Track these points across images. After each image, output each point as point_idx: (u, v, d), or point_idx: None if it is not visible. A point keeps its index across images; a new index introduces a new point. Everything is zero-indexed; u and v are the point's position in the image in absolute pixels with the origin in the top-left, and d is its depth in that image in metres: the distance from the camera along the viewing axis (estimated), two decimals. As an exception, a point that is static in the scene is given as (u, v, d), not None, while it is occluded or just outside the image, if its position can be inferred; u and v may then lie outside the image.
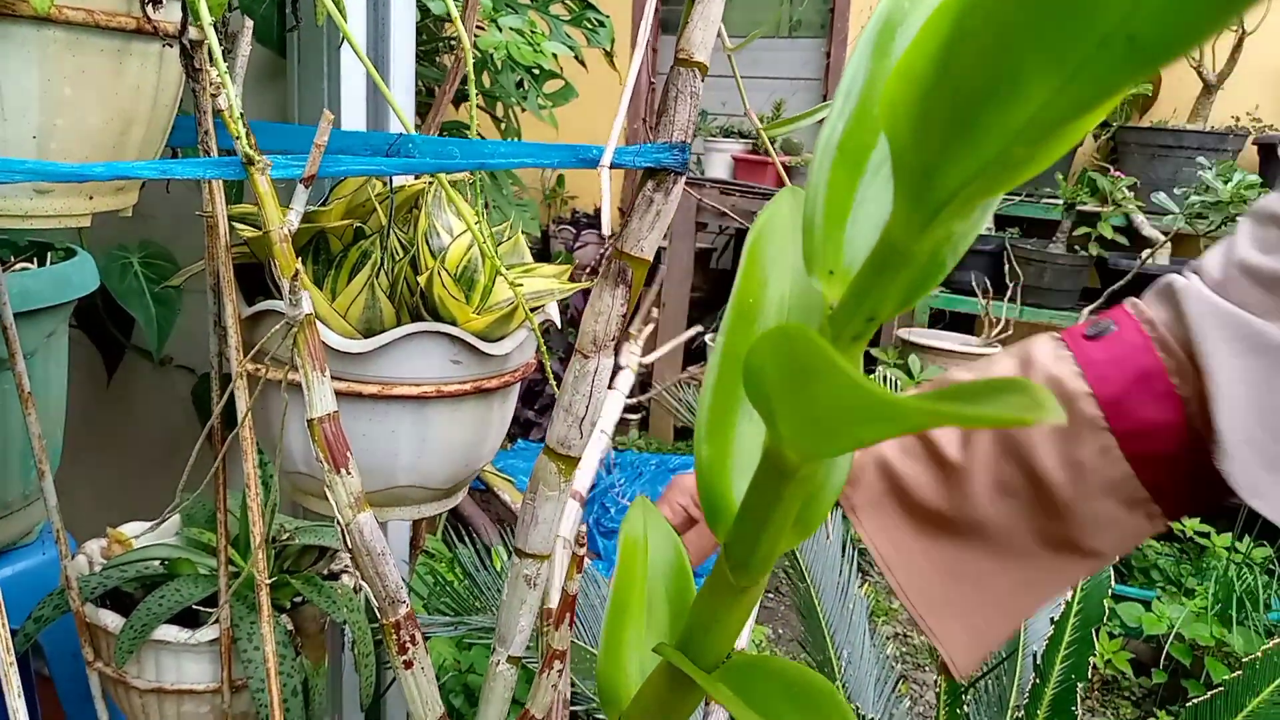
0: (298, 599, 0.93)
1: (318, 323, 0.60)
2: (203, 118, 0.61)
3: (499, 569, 1.73)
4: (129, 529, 1.01)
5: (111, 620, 0.86)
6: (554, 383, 0.74)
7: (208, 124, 0.61)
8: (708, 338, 3.46)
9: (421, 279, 0.66)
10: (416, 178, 0.79)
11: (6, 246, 1.12)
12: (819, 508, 0.37)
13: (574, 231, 3.65)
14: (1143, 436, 0.53)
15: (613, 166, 0.57)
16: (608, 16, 2.24)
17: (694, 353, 3.56)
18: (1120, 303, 0.58)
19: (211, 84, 0.54)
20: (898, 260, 0.29)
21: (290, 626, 0.89)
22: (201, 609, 0.89)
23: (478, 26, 1.91)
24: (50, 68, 0.55)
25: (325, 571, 0.97)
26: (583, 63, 2.22)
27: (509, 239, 0.77)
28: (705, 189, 3.27)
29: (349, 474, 0.56)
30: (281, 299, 0.68)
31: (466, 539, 1.75)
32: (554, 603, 0.77)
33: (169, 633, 0.85)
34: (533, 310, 0.74)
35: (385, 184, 0.68)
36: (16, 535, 1.03)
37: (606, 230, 0.58)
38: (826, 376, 0.23)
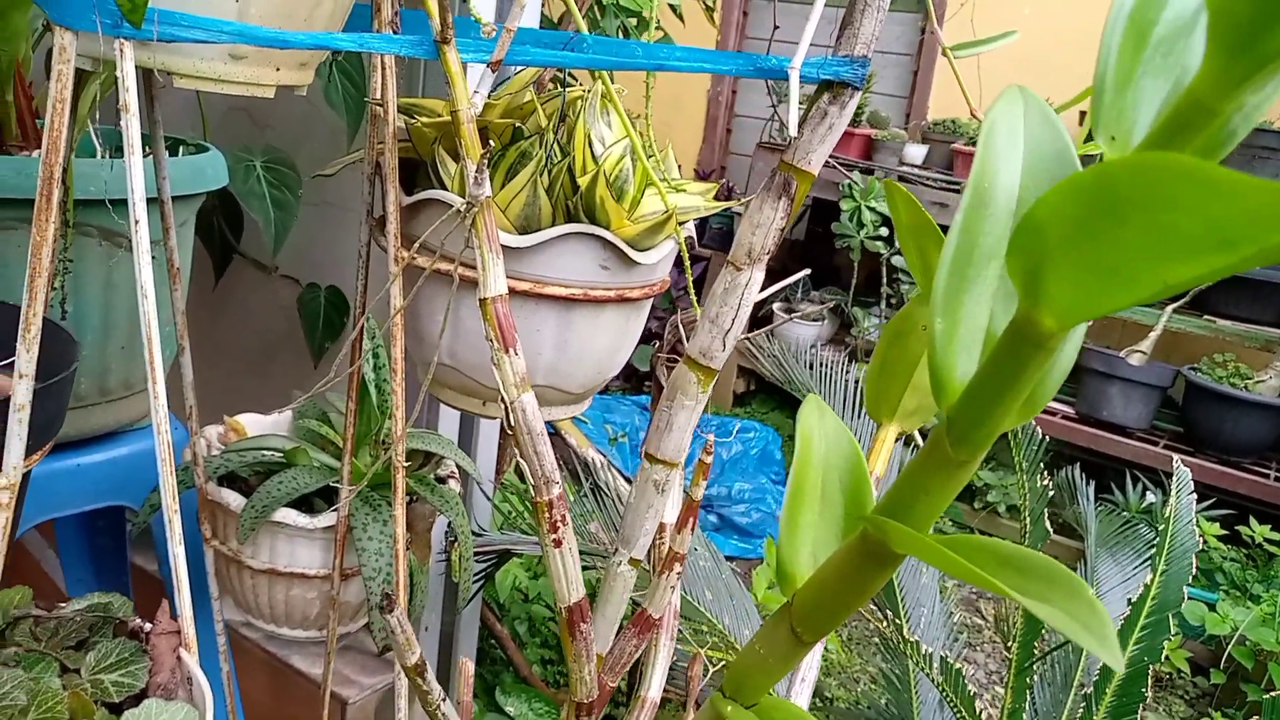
0: (408, 498, 0.95)
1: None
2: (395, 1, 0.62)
3: (571, 500, 1.75)
4: (244, 419, 1.05)
5: (233, 499, 0.89)
6: (694, 296, 0.75)
7: (396, 5, 0.63)
8: (776, 306, 3.45)
9: (583, 180, 0.67)
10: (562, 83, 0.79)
11: (144, 138, 1.15)
12: (1048, 388, 0.37)
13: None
14: None
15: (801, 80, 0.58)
16: (714, -30, 2.22)
17: (757, 322, 3.54)
18: None
19: (412, -39, 0.55)
20: (1200, 119, 0.29)
21: (400, 523, 0.92)
22: (316, 499, 0.92)
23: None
24: (258, -66, 0.57)
25: (433, 476, 0.99)
26: (681, 17, 2.22)
27: (659, 153, 0.77)
28: (787, 156, 3.24)
29: (516, 354, 0.57)
30: (441, 189, 0.69)
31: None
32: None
33: (288, 516, 0.87)
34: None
35: (556, 84, 0.69)
36: (137, 416, 1.06)
37: (793, 132, 0.58)
38: (1188, 188, 0.23)
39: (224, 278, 1.46)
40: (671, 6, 2.18)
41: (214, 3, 0.57)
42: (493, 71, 0.58)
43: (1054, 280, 0.30)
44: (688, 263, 0.73)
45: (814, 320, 3.35)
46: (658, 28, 2.13)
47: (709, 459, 0.72)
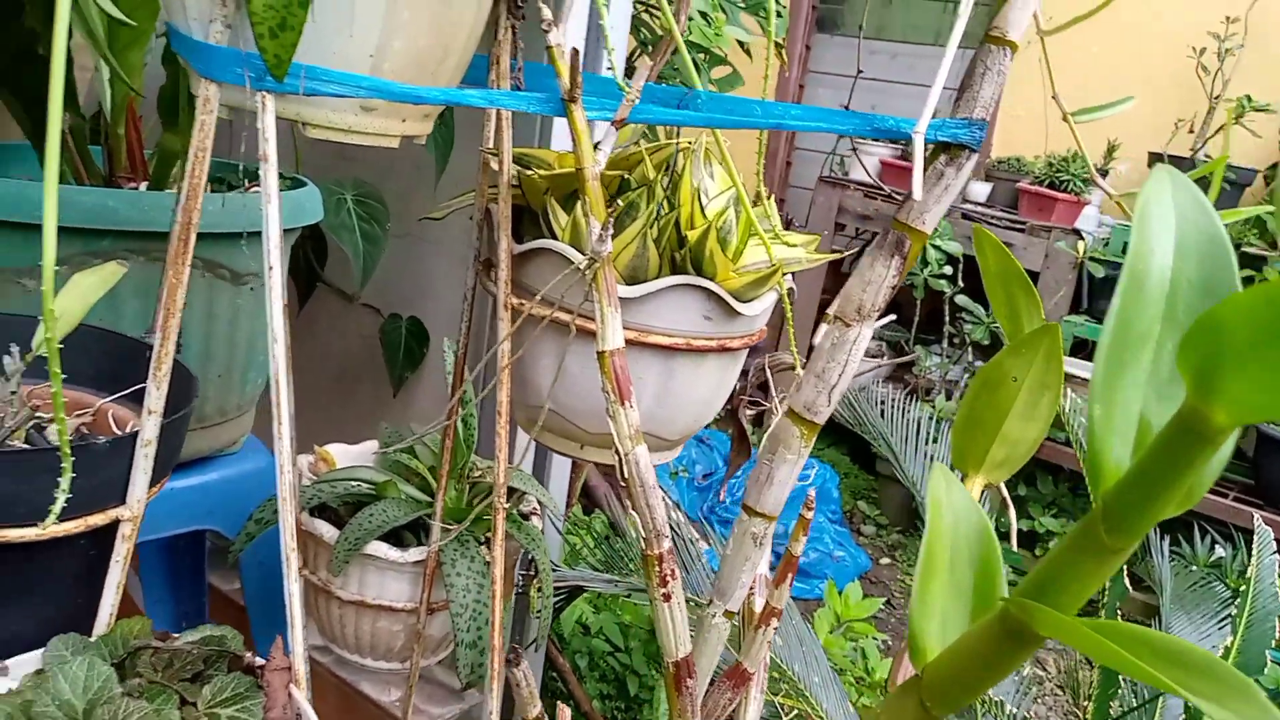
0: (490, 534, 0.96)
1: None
2: (518, 54, 0.63)
3: (634, 537, 1.75)
4: (332, 449, 1.06)
5: (326, 530, 0.90)
6: (795, 350, 0.75)
7: (514, 59, 0.64)
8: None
9: (692, 234, 0.68)
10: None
11: (244, 172, 1.18)
12: (1207, 479, 0.37)
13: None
14: None
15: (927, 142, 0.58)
16: (784, 7, 2.25)
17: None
18: None
19: (544, 21, 0.56)
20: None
21: (486, 558, 0.93)
22: (403, 531, 0.93)
23: (653, 7, 1.93)
24: (395, -8, 0.58)
25: (516, 512, 1.00)
26: (749, 52, 2.23)
27: (765, 201, 0.78)
28: (849, 190, 3.24)
29: (631, 407, 0.58)
30: (551, 239, 0.70)
31: (597, 509, 1.78)
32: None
33: (379, 549, 0.89)
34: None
35: (669, 136, 0.70)
36: (226, 443, 1.09)
37: (918, 195, 0.59)
38: None
39: (307, 305, 1.49)
40: (740, 43, 2.20)
41: (350, 58, 0.59)
42: (616, 130, 0.59)
43: (1234, 380, 0.30)
44: (789, 313, 0.74)
45: (873, 356, 3.33)
46: (724, 63, 2.14)
47: (810, 514, 0.72)
